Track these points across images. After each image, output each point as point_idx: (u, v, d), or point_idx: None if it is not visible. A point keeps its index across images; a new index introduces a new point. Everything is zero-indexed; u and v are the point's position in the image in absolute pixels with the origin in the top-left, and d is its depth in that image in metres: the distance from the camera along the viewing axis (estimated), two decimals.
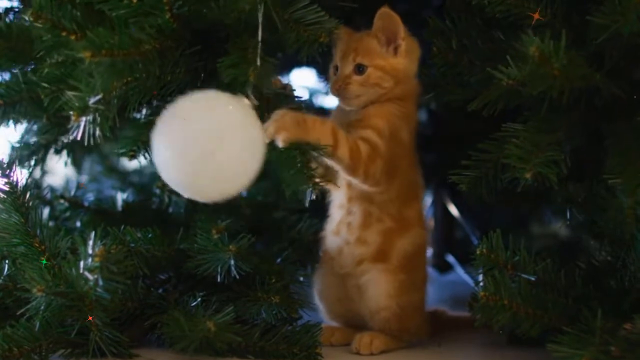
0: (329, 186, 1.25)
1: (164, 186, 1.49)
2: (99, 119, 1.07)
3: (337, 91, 1.24)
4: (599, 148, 1.16)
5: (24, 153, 1.47)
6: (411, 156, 1.28)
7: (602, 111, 1.14)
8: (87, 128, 1.07)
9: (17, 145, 1.47)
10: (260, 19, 1.05)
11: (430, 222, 2.05)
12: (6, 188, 1.18)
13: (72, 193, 1.55)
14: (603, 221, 1.18)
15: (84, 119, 1.07)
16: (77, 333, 1.12)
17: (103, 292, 1.05)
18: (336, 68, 1.26)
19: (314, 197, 1.10)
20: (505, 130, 1.16)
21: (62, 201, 1.53)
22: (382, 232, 1.26)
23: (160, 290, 1.27)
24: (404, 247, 1.27)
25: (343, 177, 1.22)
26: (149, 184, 1.56)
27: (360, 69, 1.22)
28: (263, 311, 1.19)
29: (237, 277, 1.18)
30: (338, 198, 1.29)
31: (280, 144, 1.09)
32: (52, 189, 1.61)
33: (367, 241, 1.26)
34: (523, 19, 1.14)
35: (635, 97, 1.11)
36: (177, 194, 1.48)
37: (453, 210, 1.97)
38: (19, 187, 1.18)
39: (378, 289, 1.25)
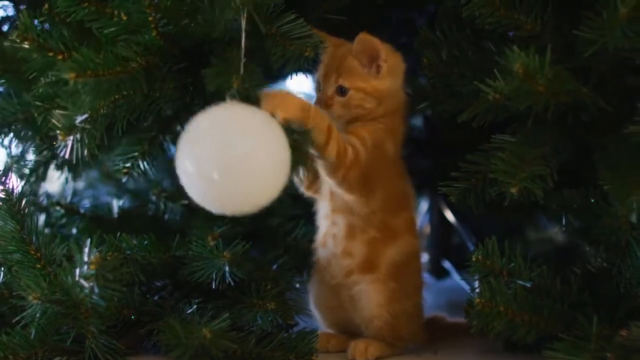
0: (314, 196, 1.27)
1: (160, 193, 1.50)
2: (86, 139, 1.08)
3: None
4: (591, 157, 1.16)
5: (25, 170, 1.47)
6: (397, 167, 1.28)
7: (589, 125, 1.14)
8: (74, 147, 1.08)
9: (18, 161, 1.47)
10: (243, 26, 1.05)
11: (427, 228, 2.06)
12: (2, 195, 1.18)
13: (68, 200, 1.55)
14: (598, 228, 1.19)
15: (70, 138, 1.07)
16: (72, 341, 1.12)
17: (99, 300, 1.05)
18: (319, 83, 1.26)
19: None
20: (493, 142, 1.16)
21: (58, 208, 1.53)
22: (367, 243, 1.26)
23: (156, 298, 1.27)
24: (392, 256, 1.27)
25: (326, 184, 1.24)
26: (145, 190, 1.56)
27: (342, 90, 1.22)
28: (259, 318, 1.18)
29: (233, 283, 1.18)
30: (323, 208, 1.29)
31: (279, 120, 1.05)
32: (48, 196, 1.61)
33: (352, 252, 1.26)
34: (513, 31, 1.15)
35: (622, 110, 1.11)
36: (173, 201, 1.50)
37: (449, 216, 1.97)
38: (14, 194, 1.18)
39: (369, 299, 1.25)
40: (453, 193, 1.20)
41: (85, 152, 1.09)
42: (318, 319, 1.35)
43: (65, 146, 1.09)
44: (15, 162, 1.44)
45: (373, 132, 1.22)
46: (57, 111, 1.09)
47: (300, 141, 1.08)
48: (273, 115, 1.04)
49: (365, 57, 1.21)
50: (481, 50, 1.24)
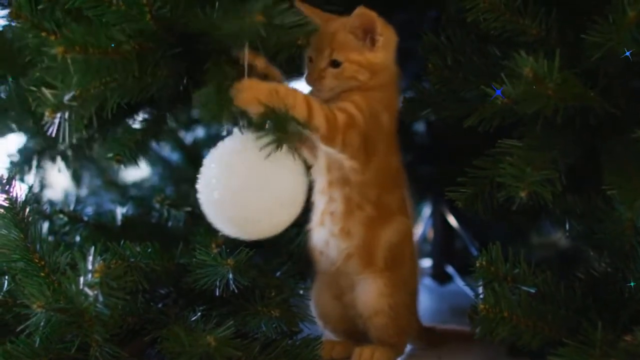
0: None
1: (163, 200, 1.50)
2: (74, 117, 1.08)
3: (312, 84, 1.23)
4: (596, 161, 1.16)
5: (19, 160, 1.47)
6: (391, 141, 1.27)
7: (597, 128, 1.14)
8: (62, 125, 1.07)
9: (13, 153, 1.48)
10: (246, 55, 1.05)
11: (430, 233, 2.05)
12: (5, 204, 1.18)
13: (72, 207, 1.55)
14: (602, 232, 1.19)
15: (58, 115, 1.07)
16: (77, 349, 1.12)
17: (103, 308, 1.04)
18: (310, 58, 1.24)
19: None
20: (500, 147, 1.16)
21: (61, 216, 1.53)
22: (364, 222, 1.25)
23: (160, 305, 1.27)
24: (388, 238, 1.26)
25: (322, 158, 1.23)
26: (148, 197, 1.56)
27: (335, 63, 1.21)
28: (263, 325, 1.18)
29: (237, 291, 1.18)
30: (319, 183, 1.27)
31: (251, 112, 1.08)
32: (51, 203, 1.61)
33: (351, 232, 1.25)
34: (518, 35, 1.15)
35: (629, 114, 1.11)
36: (176, 208, 1.51)
37: (452, 221, 1.97)
38: (18, 202, 1.18)
39: (369, 290, 1.26)
40: (460, 198, 1.20)
41: (73, 131, 1.09)
42: (317, 317, 1.34)
43: (52, 124, 1.08)
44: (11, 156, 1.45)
45: (368, 102, 1.21)
46: (46, 90, 1.08)
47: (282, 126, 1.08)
48: (245, 110, 1.09)
49: (360, 30, 1.20)
50: (486, 55, 1.24)
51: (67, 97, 1.06)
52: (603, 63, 1.08)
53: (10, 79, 1.32)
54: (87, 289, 1.03)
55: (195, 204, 1.49)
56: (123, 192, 1.69)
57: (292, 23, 1.10)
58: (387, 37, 1.23)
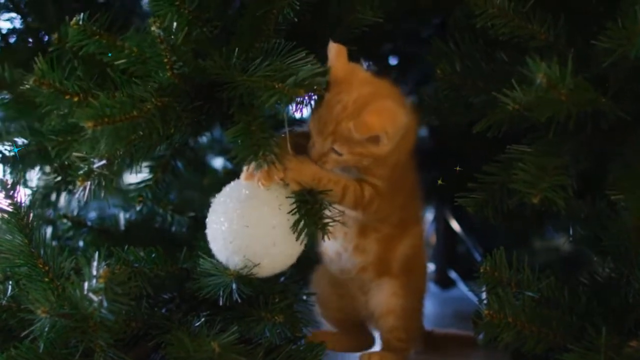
0: None
1: (166, 205, 1.51)
2: (103, 182, 1.11)
3: (314, 160, 1.17)
4: (601, 165, 1.16)
5: (38, 197, 1.48)
6: (410, 162, 1.26)
7: (607, 134, 1.14)
8: (92, 190, 1.11)
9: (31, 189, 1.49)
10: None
11: (433, 238, 2.06)
12: (10, 209, 1.18)
13: (75, 212, 1.55)
14: (606, 238, 1.19)
15: (88, 183, 1.10)
16: (81, 354, 1.11)
17: (107, 313, 1.04)
18: (311, 130, 1.17)
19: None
20: (510, 153, 1.16)
21: (64, 220, 1.53)
22: (380, 240, 1.26)
23: (163, 310, 1.27)
24: (404, 251, 1.28)
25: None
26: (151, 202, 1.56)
27: (337, 152, 1.15)
28: (267, 330, 1.18)
29: (240, 300, 1.18)
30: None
31: (290, 188, 1.13)
32: (54, 208, 1.61)
33: (365, 249, 1.26)
34: (527, 41, 1.15)
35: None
36: (180, 213, 1.51)
37: (455, 225, 1.97)
38: (22, 207, 1.18)
39: (382, 293, 1.27)
40: (470, 204, 1.19)
41: (103, 193, 1.13)
42: (317, 310, 1.36)
43: (84, 189, 1.11)
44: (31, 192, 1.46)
45: (389, 165, 1.19)
46: (75, 154, 1.11)
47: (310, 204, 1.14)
48: (287, 184, 1.13)
49: None
50: (494, 60, 1.24)
51: (96, 165, 1.09)
52: (614, 68, 1.07)
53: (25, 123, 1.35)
54: (91, 295, 1.03)
55: (198, 210, 1.50)
56: (126, 197, 1.69)
57: (309, 73, 1.08)
58: (393, 132, 1.12)
